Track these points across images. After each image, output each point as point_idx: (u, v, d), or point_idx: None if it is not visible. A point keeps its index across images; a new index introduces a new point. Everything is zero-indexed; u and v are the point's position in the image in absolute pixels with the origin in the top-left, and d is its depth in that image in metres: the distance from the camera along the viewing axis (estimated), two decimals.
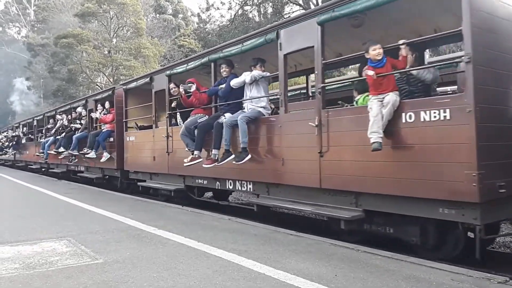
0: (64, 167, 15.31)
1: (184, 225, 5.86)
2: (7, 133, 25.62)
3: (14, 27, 58.36)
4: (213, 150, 6.38)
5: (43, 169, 18.17)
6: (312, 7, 15.36)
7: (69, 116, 13.79)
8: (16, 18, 55.37)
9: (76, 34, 25.92)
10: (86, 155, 11.27)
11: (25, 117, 25.67)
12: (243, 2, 21.26)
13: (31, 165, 20.15)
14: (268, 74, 6.25)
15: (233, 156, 6.06)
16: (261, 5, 21.59)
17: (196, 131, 6.83)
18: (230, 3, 22.20)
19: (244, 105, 6.38)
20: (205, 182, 7.46)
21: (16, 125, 24.60)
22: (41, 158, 15.93)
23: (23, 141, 21.77)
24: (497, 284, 3.23)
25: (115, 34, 27.84)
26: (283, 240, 4.81)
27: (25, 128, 21.79)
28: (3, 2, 55.73)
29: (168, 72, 8.32)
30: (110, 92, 11.33)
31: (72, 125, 13.11)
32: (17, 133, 22.81)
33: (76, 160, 12.89)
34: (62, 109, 15.43)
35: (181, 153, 7.54)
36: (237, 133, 6.14)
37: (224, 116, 6.41)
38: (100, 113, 11.28)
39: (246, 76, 6.20)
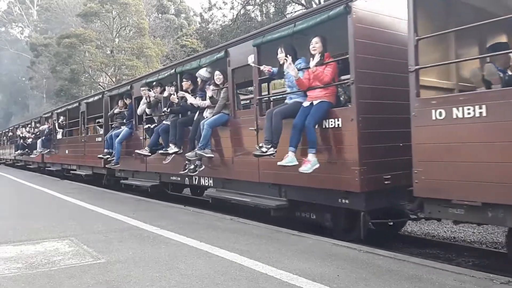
0: (154, 177, 9.02)
1: (186, 224, 5.86)
2: (31, 127, 19.50)
3: (17, 27, 58.63)
4: None
5: (97, 176, 11.90)
6: (314, 6, 15.33)
7: (171, 89, 7.83)
8: (19, 18, 55.56)
9: (79, 34, 26.07)
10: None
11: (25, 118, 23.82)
12: (245, 2, 21.25)
13: (74, 170, 13.79)
14: None
15: None
16: (263, 5, 21.59)
17: None
18: (232, 3, 22.20)
19: None
20: None
21: (46, 115, 17.63)
22: (105, 161, 10.45)
23: (59, 136, 15.47)
24: (499, 284, 3.22)
25: (117, 34, 27.94)
26: (285, 240, 4.81)
27: (62, 118, 15.33)
28: (6, 2, 55.95)
29: None
30: (340, 8, 4.62)
31: (194, 101, 7.09)
32: (48, 125, 16.56)
33: (203, 167, 7.04)
34: (152, 79, 8.84)
35: None
36: None
37: None
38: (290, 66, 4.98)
39: None
